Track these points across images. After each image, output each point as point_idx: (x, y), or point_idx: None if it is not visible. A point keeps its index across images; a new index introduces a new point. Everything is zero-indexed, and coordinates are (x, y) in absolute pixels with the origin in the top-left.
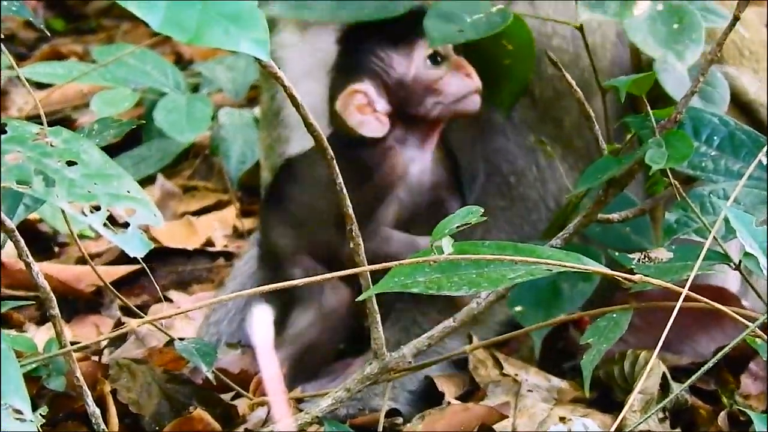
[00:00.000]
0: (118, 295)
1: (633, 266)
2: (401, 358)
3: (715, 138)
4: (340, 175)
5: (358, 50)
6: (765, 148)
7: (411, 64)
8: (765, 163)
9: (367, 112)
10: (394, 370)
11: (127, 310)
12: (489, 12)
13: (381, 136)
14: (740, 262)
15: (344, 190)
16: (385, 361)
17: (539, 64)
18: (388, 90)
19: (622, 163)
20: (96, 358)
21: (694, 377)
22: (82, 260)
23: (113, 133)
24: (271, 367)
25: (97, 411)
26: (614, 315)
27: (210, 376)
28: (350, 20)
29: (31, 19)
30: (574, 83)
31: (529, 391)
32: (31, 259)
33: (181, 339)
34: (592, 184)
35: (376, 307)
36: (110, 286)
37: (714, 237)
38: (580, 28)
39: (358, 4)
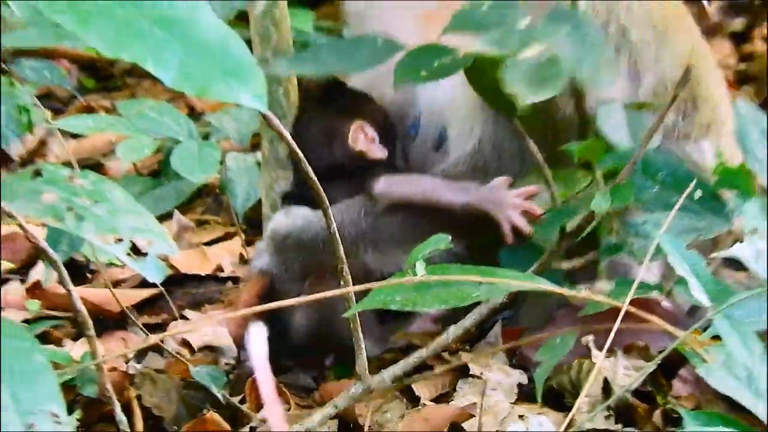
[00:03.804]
0: (131, 316)
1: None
2: (382, 382)
3: (659, 174)
4: (333, 220)
5: (354, 96)
6: (694, 182)
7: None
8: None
9: (371, 143)
10: (375, 391)
11: (151, 327)
12: (454, 56)
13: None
14: (670, 290)
15: (336, 233)
16: (368, 382)
17: None
18: (378, 126)
19: (572, 213)
20: (123, 368)
21: (632, 382)
22: (112, 284)
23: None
24: (266, 379)
25: (123, 417)
26: (562, 336)
27: (220, 397)
28: (347, 73)
29: (66, 85)
30: (535, 148)
31: (492, 389)
32: (71, 286)
33: (201, 350)
34: (548, 235)
35: (361, 334)
36: (130, 307)
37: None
38: None
39: (354, 59)
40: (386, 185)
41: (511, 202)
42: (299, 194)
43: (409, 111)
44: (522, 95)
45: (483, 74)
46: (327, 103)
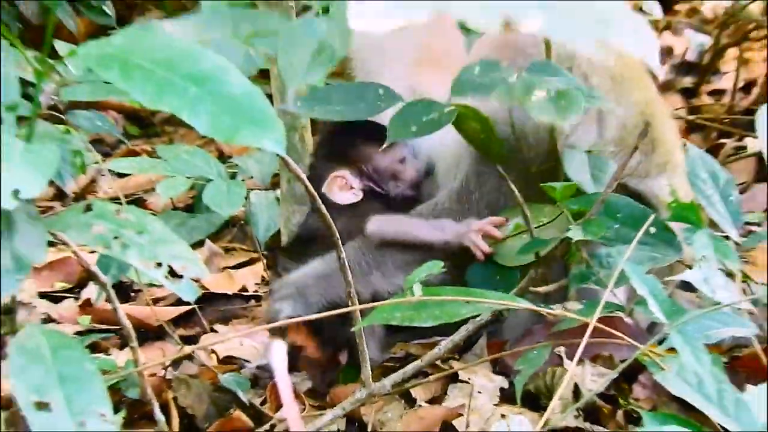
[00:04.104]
0: (168, 329)
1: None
2: (382, 387)
3: (619, 214)
4: (342, 249)
5: (346, 143)
6: (650, 219)
7: (386, 160)
8: (652, 231)
9: (346, 190)
10: (377, 395)
11: (185, 339)
12: (441, 111)
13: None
14: (632, 309)
15: (346, 263)
16: (371, 388)
17: None
18: (363, 174)
19: (547, 243)
20: (161, 374)
21: (598, 386)
22: (152, 302)
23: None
24: (285, 385)
25: (161, 416)
26: (539, 348)
27: (244, 399)
28: (349, 119)
29: (113, 131)
30: (515, 189)
31: (478, 392)
32: (117, 304)
33: (227, 359)
34: (523, 261)
35: (365, 346)
36: (167, 322)
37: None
38: (511, 123)
39: (358, 107)
40: (376, 226)
41: (475, 229)
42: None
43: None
44: (558, 121)
45: (466, 122)
46: (326, 150)
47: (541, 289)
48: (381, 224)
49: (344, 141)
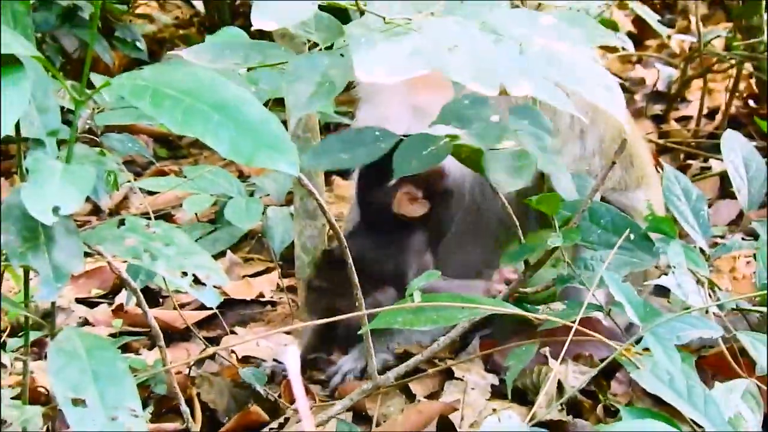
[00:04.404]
0: (194, 330)
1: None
2: (386, 379)
3: (602, 220)
4: (350, 255)
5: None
6: (628, 230)
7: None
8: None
9: (416, 203)
10: (381, 387)
11: (208, 340)
12: (438, 145)
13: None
14: (610, 309)
15: (353, 268)
16: (376, 381)
17: None
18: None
19: (534, 249)
20: (186, 372)
21: (580, 383)
22: (178, 306)
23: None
24: (297, 382)
25: (187, 409)
26: (526, 346)
27: (262, 392)
28: (355, 165)
29: (144, 153)
30: (509, 208)
31: (472, 389)
32: (147, 308)
33: (246, 359)
34: (513, 262)
35: (371, 343)
36: (192, 325)
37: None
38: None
39: (359, 153)
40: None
41: (497, 280)
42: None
43: None
44: (503, 185)
45: (462, 149)
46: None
47: (529, 289)
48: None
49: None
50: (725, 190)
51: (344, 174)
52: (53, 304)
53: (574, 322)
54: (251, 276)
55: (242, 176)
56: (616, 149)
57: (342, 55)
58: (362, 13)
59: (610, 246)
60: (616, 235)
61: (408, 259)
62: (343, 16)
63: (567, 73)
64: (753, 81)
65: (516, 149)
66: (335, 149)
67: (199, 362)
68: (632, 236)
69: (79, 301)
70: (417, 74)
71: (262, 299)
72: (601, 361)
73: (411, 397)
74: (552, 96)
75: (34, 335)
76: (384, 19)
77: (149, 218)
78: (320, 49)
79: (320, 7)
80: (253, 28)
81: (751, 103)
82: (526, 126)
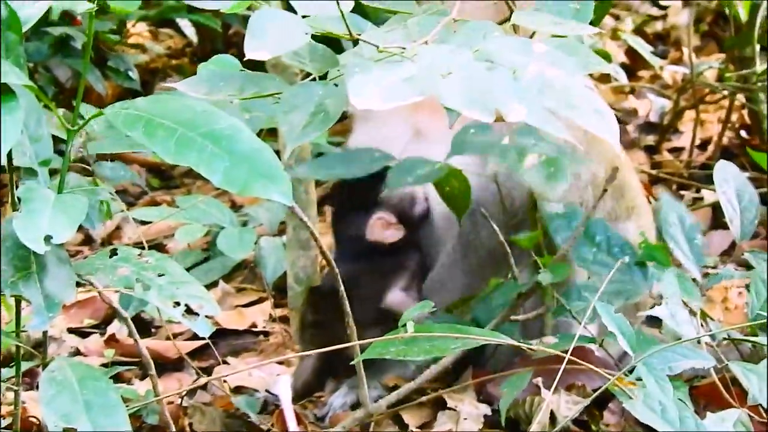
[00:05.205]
0: (187, 359)
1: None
2: (379, 407)
3: (598, 239)
4: (341, 282)
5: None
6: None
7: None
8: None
9: (389, 228)
10: (374, 415)
11: (200, 370)
12: (432, 167)
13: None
14: (603, 340)
15: (345, 296)
16: (368, 409)
17: None
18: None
19: (522, 287)
20: (178, 402)
21: (573, 413)
22: (171, 336)
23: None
24: (289, 411)
25: None
26: (520, 375)
27: (254, 419)
28: (358, 175)
29: (136, 181)
30: (499, 233)
31: (465, 419)
32: (138, 338)
33: (238, 389)
34: (505, 300)
35: (363, 371)
36: (184, 355)
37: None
38: (495, 178)
39: (355, 167)
40: (397, 301)
41: None
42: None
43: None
44: (546, 188)
45: (446, 179)
46: (349, 198)
47: (520, 317)
48: (402, 302)
49: (366, 186)
50: (718, 221)
51: None
52: (45, 333)
53: (566, 352)
54: (244, 306)
55: (234, 206)
56: (607, 177)
57: (336, 84)
58: (356, 43)
59: (604, 264)
60: (610, 255)
61: (387, 287)
62: (336, 46)
63: (561, 100)
64: (745, 112)
65: (542, 159)
66: (333, 165)
67: (192, 392)
68: (627, 259)
69: (71, 330)
70: (412, 101)
71: (254, 329)
72: (594, 391)
73: (404, 426)
74: (546, 122)
75: (26, 365)
76: (378, 47)
77: (142, 248)
78: (314, 79)
79: (314, 38)
80: (245, 58)
81: (743, 134)
82: (542, 144)
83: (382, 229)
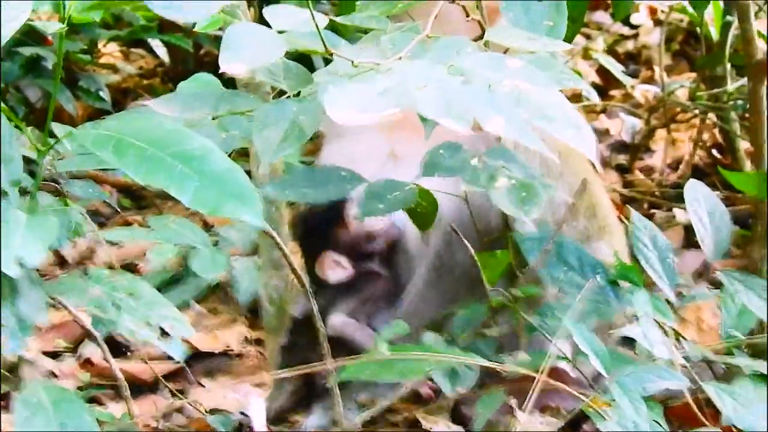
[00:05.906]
0: (163, 381)
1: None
2: (354, 425)
3: (570, 259)
4: (315, 302)
5: (322, 227)
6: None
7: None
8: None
9: (336, 268)
10: None
11: (173, 393)
12: (404, 190)
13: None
14: (575, 358)
15: (319, 317)
16: (343, 426)
17: None
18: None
19: (493, 302)
20: (154, 425)
21: None
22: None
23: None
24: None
25: None
26: (494, 395)
27: None
28: (320, 200)
29: (107, 201)
30: (471, 248)
31: None
32: (112, 360)
33: (213, 411)
34: (477, 317)
35: (338, 390)
36: (160, 377)
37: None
38: (465, 198)
39: (324, 189)
40: (339, 323)
41: None
42: None
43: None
44: (518, 212)
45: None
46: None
47: (493, 330)
48: (344, 325)
49: (321, 221)
50: (690, 240)
51: None
52: (19, 356)
53: (539, 371)
54: (217, 328)
55: (207, 226)
56: (577, 189)
57: (310, 101)
58: (328, 62)
59: (577, 287)
60: (581, 273)
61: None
62: (308, 65)
63: (536, 113)
64: (717, 131)
65: (512, 183)
66: (300, 184)
67: (167, 415)
68: (599, 279)
69: (45, 353)
70: (388, 113)
71: (229, 351)
72: (568, 412)
73: None
74: (524, 133)
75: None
76: (353, 62)
77: (114, 269)
78: (288, 97)
79: (287, 56)
80: (219, 75)
81: (715, 153)
82: (514, 167)
83: (328, 268)
